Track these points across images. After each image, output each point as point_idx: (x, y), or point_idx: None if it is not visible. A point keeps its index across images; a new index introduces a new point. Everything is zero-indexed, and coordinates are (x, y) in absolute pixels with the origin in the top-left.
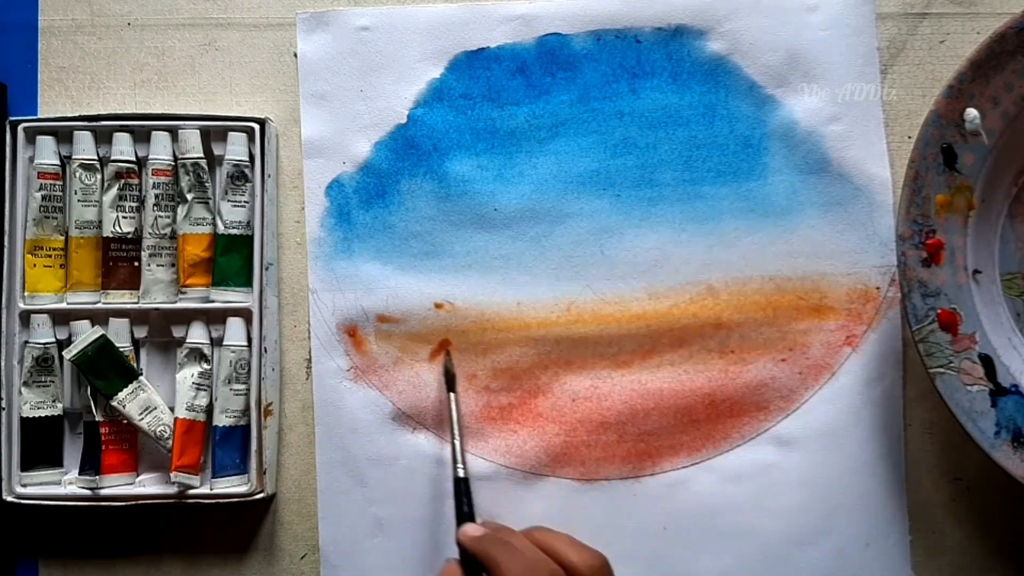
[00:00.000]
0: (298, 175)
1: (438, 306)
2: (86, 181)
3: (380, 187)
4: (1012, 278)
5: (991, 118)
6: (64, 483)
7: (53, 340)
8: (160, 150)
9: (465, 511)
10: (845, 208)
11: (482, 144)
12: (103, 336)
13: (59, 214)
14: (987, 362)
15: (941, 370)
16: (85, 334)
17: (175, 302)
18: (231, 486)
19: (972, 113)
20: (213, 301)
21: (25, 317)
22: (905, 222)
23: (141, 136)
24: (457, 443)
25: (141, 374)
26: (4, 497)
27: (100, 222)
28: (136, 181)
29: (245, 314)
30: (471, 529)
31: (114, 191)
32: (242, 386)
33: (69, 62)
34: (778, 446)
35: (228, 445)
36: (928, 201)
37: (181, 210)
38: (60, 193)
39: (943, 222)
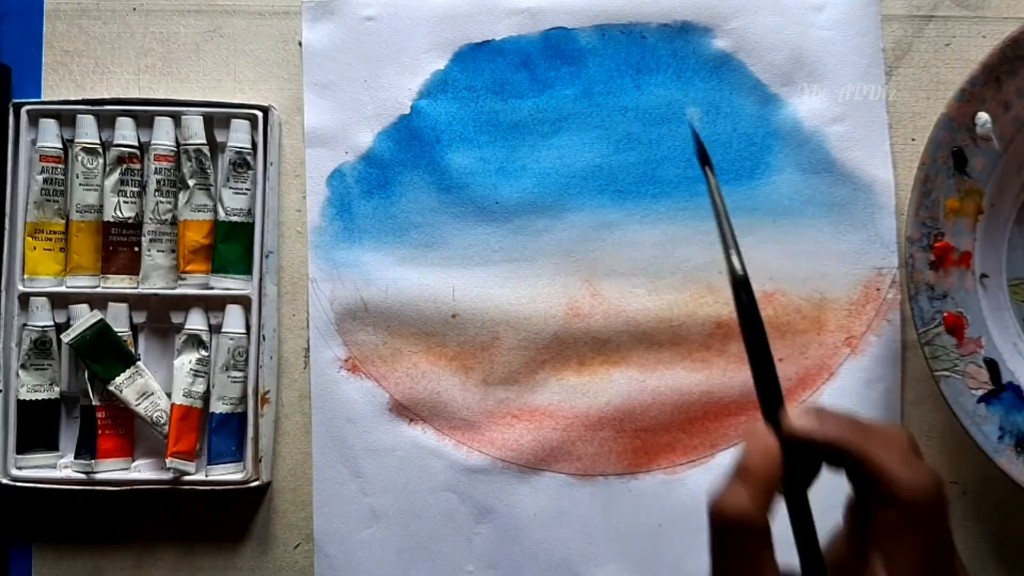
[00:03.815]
0: (300, 164)
1: (438, 298)
2: (88, 165)
3: (382, 177)
4: (1019, 283)
5: (1002, 123)
6: (59, 467)
7: (51, 323)
8: (163, 136)
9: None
10: (847, 209)
11: (485, 137)
12: (102, 320)
13: (60, 197)
14: (992, 366)
15: (946, 373)
16: (84, 318)
17: (174, 288)
18: (226, 473)
19: (983, 117)
20: (212, 288)
21: (24, 300)
22: (914, 224)
23: (144, 121)
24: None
25: (139, 359)
26: None
27: (101, 206)
28: (138, 166)
29: (244, 302)
30: (806, 414)
31: (116, 176)
32: (239, 373)
33: (73, 46)
34: None
35: (224, 432)
36: (937, 204)
37: (182, 196)
38: (62, 176)
39: (952, 225)
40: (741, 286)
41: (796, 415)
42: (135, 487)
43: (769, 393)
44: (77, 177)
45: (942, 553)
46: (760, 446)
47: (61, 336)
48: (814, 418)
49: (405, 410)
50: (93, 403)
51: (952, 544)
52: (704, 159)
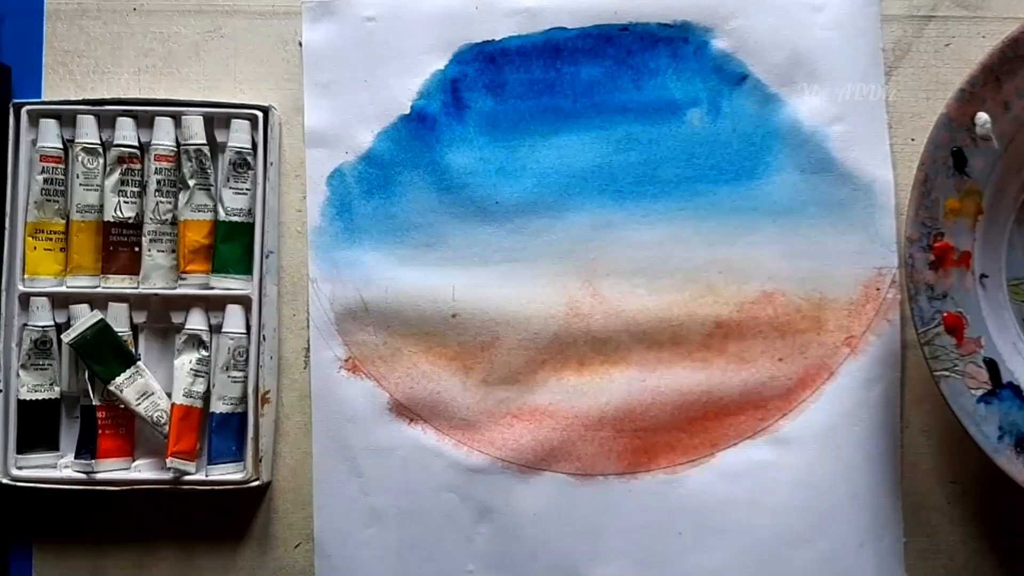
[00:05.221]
0: (300, 164)
1: (437, 298)
2: (88, 165)
3: (382, 178)
4: (1019, 283)
5: (1002, 123)
6: (60, 466)
7: (52, 323)
8: (163, 136)
9: None
10: (846, 209)
11: (485, 137)
12: (102, 320)
13: (61, 197)
14: (992, 366)
15: (946, 373)
16: (84, 318)
17: (175, 288)
18: (226, 473)
19: (983, 117)
20: (213, 288)
21: (24, 300)
22: (914, 224)
23: (144, 121)
24: None
25: (139, 359)
26: None
27: (101, 206)
28: (138, 166)
29: (244, 302)
30: None
31: (116, 176)
32: (240, 373)
33: (74, 46)
34: (775, 445)
35: (224, 432)
36: (937, 204)
37: (182, 196)
38: (62, 176)
39: (951, 226)
40: None
41: None
42: (135, 487)
43: None
44: (77, 177)
45: None
46: None
47: (61, 336)
48: None
49: (405, 410)
50: (93, 403)
51: None
52: None
